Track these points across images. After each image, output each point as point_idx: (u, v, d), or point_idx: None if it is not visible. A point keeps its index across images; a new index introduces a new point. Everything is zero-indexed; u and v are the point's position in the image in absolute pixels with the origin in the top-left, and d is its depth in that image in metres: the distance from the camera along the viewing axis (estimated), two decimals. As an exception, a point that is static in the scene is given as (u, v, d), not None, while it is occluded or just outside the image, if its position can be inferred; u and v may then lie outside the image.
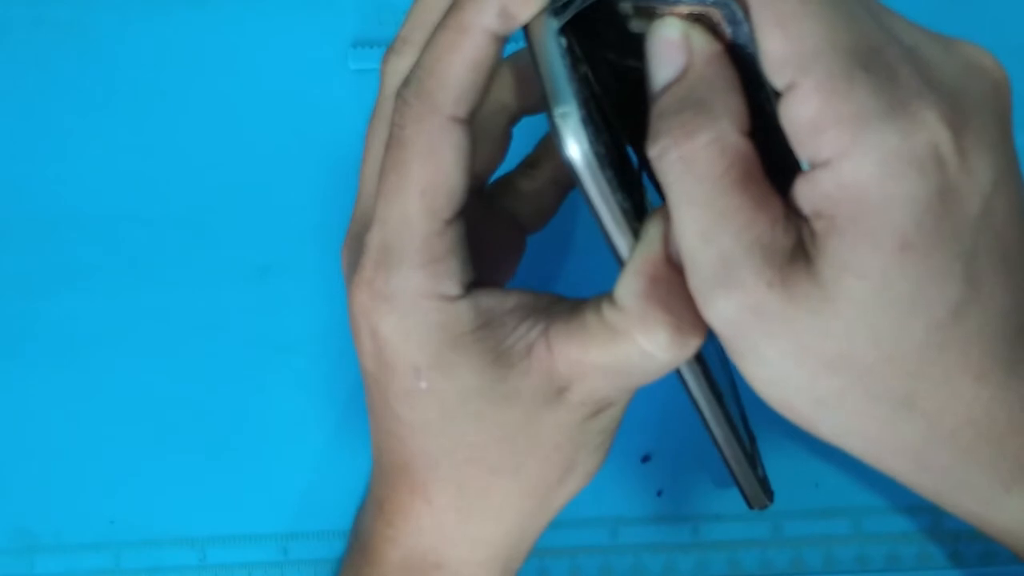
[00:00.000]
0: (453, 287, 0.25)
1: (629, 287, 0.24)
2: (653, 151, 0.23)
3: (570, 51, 0.23)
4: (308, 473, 0.36)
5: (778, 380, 0.23)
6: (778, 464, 0.36)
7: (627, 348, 0.25)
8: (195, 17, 0.36)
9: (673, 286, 0.24)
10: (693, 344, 0.24)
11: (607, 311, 0.25)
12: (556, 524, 0.36)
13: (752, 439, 0.33)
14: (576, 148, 0.22)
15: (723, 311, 0.23)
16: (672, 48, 0.23)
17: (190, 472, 0.35)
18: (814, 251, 0.22)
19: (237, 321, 0.36)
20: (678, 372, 0.27)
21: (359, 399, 0.36)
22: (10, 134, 0.36)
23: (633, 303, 0.24)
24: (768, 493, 0.32)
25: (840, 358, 0.23)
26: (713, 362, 0.29)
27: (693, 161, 0.22)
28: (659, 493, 0.36)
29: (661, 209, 0.24)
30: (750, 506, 0.32)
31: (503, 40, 0.24)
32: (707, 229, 0.22)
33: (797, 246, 0.23)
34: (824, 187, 0.22)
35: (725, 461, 0.30)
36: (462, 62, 0.24)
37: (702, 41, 0.23)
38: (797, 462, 0.36)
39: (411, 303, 0.25)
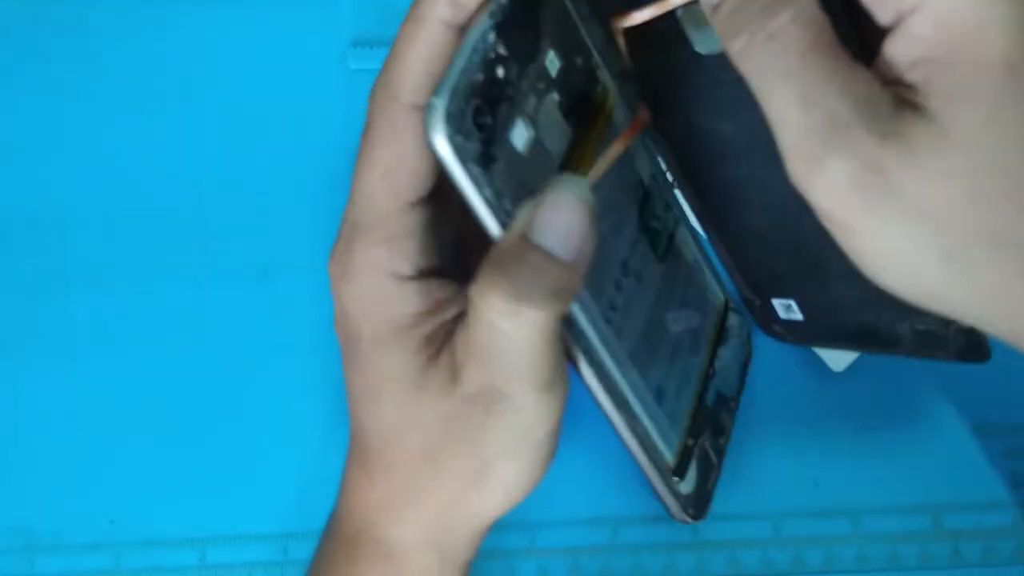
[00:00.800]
0: (406, 267, 0.26)
1: (484, 264, 0.25)
2: (736, 45, 0.23)
3: (497, 46, 0.24)
4: (308, 473, 0.36)
5: (901, 245, 0.23)
6: (778, 464, 0.36)
7: (479, 321, 0.25)
8: (195, 17, 0.36)
9: (518, 257, 0.24)
10: (527, 312, 0.24)
11: (471, 289, 0.25)
12: (556, 524, 0.36)
13: (713, 451, 0.33)
14: (434, 138, 0.23)
15: (836, 176, 0.22)
16: None
17: (190, 472, 0.35)
18: (920, 97, 0.22)
19: (237, 321, 0.36)
20: (580, 376, 0.28)
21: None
22: (10, 134, 0.36)
23: (480, 275, 0.25)
24: (700, 508, 0.32)
25: (966, 199, 0.22)
26: (625, 367, 0.29)
27: (783, 36, 0.23)
28: (659, 493, 0.36)
29: (530, 202, 0.25)
30: (671, 516, 0.32)
31: (458, 29, 0.25)
32: (808, 94, 0.22)
33: (899, 101, 0.23)
34: (919, 31, 0.22)
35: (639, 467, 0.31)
36: (416, 52, 0.25)
37: None
38: (797, 462, 0.36)
39: (367, 276, 0.27)
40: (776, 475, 0.36)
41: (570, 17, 0.26)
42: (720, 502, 0.36)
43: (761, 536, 0.36)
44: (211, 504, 0.35)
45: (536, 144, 0.25)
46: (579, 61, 0.27)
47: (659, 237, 0.31)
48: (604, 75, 0.28)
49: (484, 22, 0.24)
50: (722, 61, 0.24)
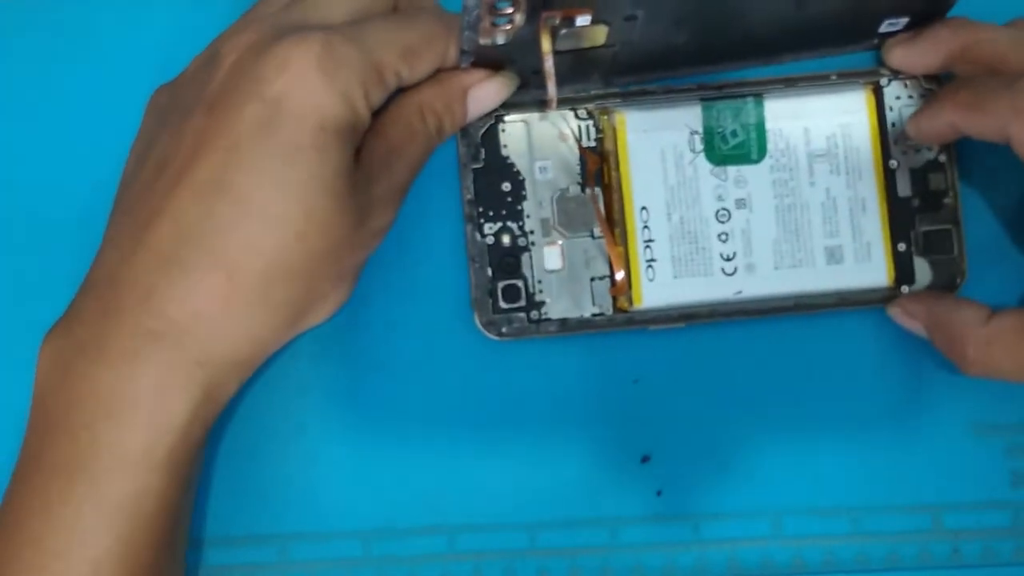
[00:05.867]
0: (380, 90, 0.31)
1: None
2: None
3: None
4: (308, 473, 0.36)
5: None
6: (778, 463, 0.36)
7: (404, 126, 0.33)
8: (195, 17, 0.36)
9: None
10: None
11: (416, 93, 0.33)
12: (556, 524, 0.36)
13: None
14: None
15: None
16: None
17: (190, 473, 0.35)
18: None
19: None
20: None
21: (359, 399, 0.36)
22: (10, 134, 0.36)
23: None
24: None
25: None
26: None
27: None
28: (659, 493, 0.36)
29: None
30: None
31: None
32: None
33: None
34: None
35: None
36: None
37: None
38: (797, 461, 0.36)
39: (356, 76, 0.30)
40: (776, 474, 0.36)
41: None
42: (720, 501, 0.36)
43: (761, 535, 0.36)
44: (212, 504, 0.35)
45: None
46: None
47: None
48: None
49: None
50: None
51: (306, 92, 0.29)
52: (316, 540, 0.35)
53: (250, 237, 0.29)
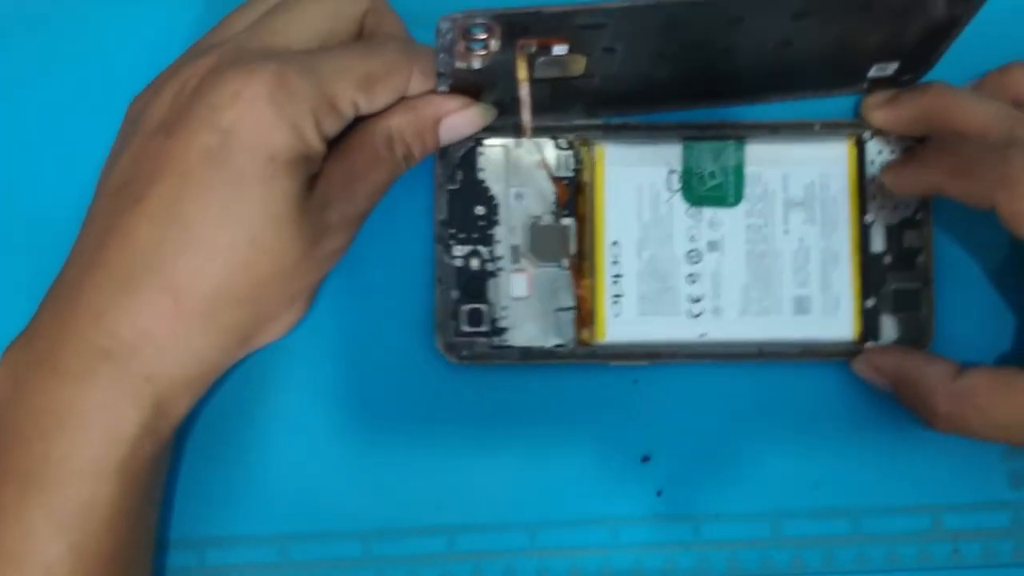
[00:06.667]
0: (334, 120, 0.31)
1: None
2: None
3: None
4: (308, 473, 0.36)
5: None
6: (778, 464, 0.36)
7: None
8: (195, 16, 0.36)
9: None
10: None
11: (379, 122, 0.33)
12: (556, 524, 0.36)
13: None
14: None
15: None
16: None
17: (190, 472, 0.35)
18: None
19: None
20: None
21: (359, 399, 0.36)
22: (10, 133, 0.36)
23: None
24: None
25: None
26: None
27: None
28: (659, 493, 0.36)
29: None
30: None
31: None
32: None
33: None
34: None
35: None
36: None
37: None
38: (797, 462, 0.36)
39: (307, 105, 0.30)
40: (776, 475, 0.36)
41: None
42: (720, 502, 0.36)
43: (761, 536, 0.36)
44: (211, 504, 0.35)
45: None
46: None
47: None
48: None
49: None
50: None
51: (256, 123, 0.29)
52: (316, 540, 0.35)
53: (197, 263, 0.30)
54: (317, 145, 0.30)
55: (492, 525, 0.36)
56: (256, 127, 0.29)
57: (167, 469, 0.34)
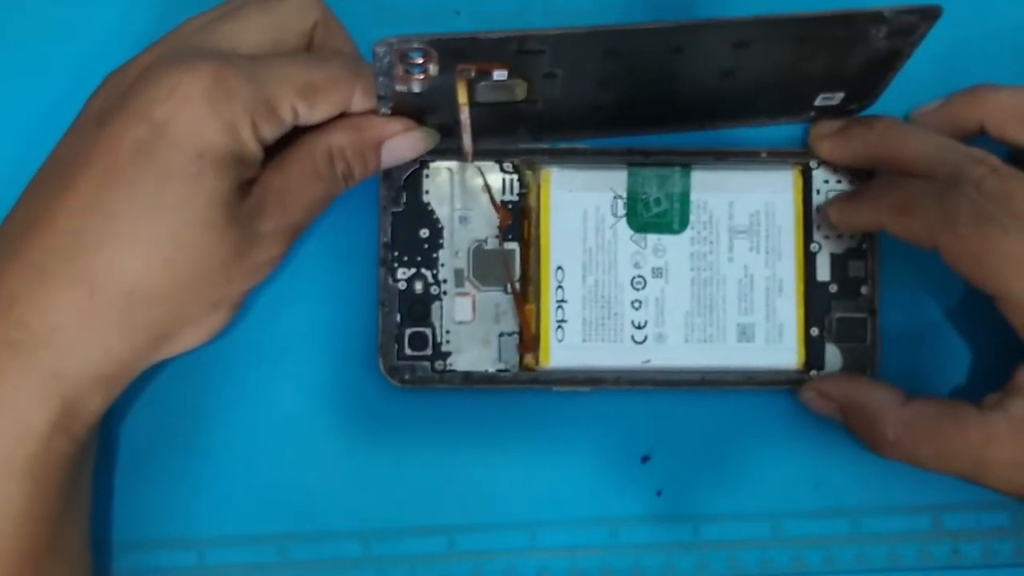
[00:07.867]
0: (274, 125, 0.31)
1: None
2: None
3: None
4: (308, 473, 0.36)
5: None
6: (778, 464, 0.36)
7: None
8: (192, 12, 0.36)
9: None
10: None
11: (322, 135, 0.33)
12: (556, 524, 0.36)
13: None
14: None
15: None
16: None
17: (190, 472, 0.35)
18: None
19: (237, 321, 0.36)
20: None
21: (359, 399, 0.36)
22: (10, 133, 0.36)
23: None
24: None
25: None
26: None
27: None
28: (659, 493, 0.36)
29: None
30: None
31: None
32: None
33: None
34: None
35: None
36: None
37: None
38: (797, 462, 0.36)
39: (245, 106, 0.30)
40: (776, 475, 0.36)
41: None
42: (720, 502, 0.36)
43: (761, 536, 0.36)
44: (211, 504, 0.35)
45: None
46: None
47: None
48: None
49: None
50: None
51: (189, 119, 0.29)
52: (316, 540, 0.35)
53: (116, 257, 0.29)
54: (252, 147, 0.30)
55: (492, 525, 0.36)
56: (189, 122, 0.29)
57: (90, 471, 0.33)
